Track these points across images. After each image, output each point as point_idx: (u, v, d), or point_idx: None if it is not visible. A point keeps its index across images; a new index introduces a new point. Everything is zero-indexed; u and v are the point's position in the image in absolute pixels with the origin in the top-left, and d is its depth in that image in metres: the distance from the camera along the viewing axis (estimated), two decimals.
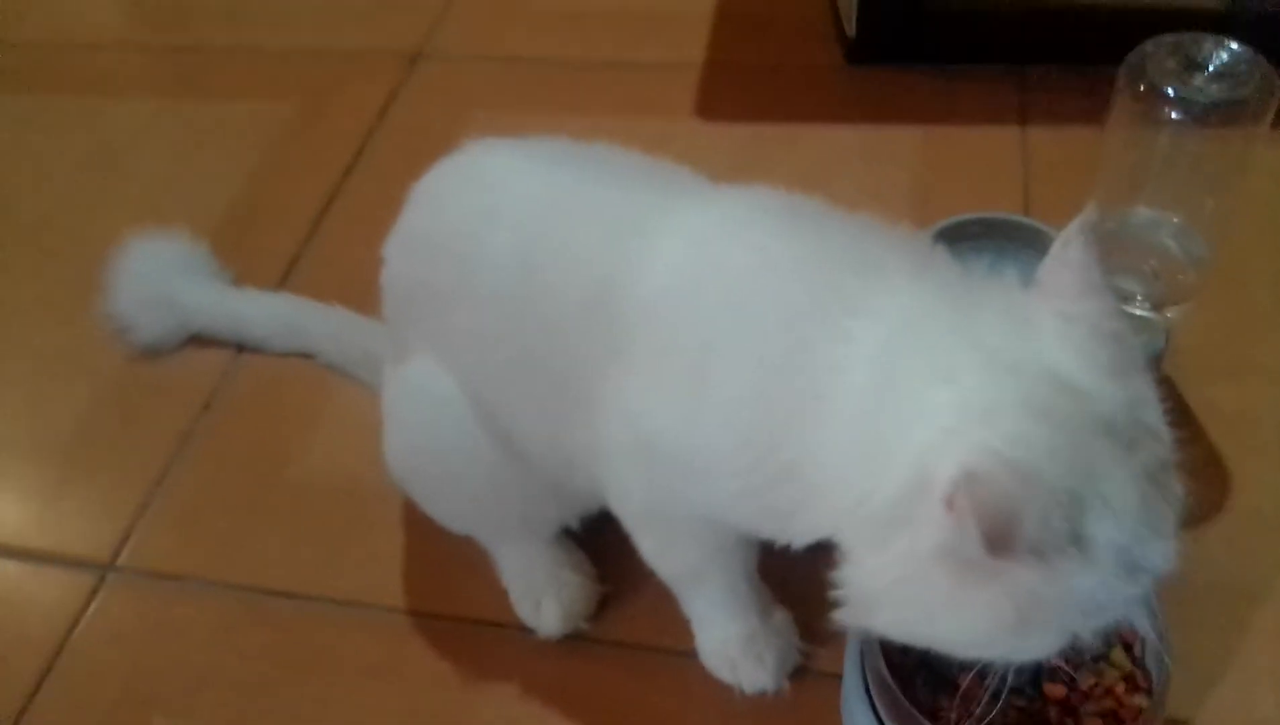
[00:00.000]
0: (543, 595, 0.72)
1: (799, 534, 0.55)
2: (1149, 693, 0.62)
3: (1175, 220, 0.74)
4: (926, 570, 0.45)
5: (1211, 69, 0.66)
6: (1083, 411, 0.43)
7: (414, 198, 0.68)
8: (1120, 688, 0.63)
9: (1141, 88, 0.67)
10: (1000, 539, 0.40)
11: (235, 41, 1.31)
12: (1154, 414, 0.46)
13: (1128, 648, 0.64)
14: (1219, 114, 0.65)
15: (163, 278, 0.93)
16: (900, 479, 0.45)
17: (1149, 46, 0.67)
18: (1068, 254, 0.48)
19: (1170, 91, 0.66)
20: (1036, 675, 0.62)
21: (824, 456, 0.50)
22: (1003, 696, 0.58)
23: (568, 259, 0.59)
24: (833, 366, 0.50)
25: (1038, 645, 0.46)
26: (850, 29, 1.13)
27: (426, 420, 0.69)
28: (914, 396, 0.46)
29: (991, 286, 0.50)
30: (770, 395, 0.52)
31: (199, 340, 0.95)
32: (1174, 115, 0.66)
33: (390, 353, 0.72)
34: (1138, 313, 0.76)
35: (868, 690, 0.64)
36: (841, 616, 0.50)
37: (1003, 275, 0.51)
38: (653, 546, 0.65)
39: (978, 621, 0.45)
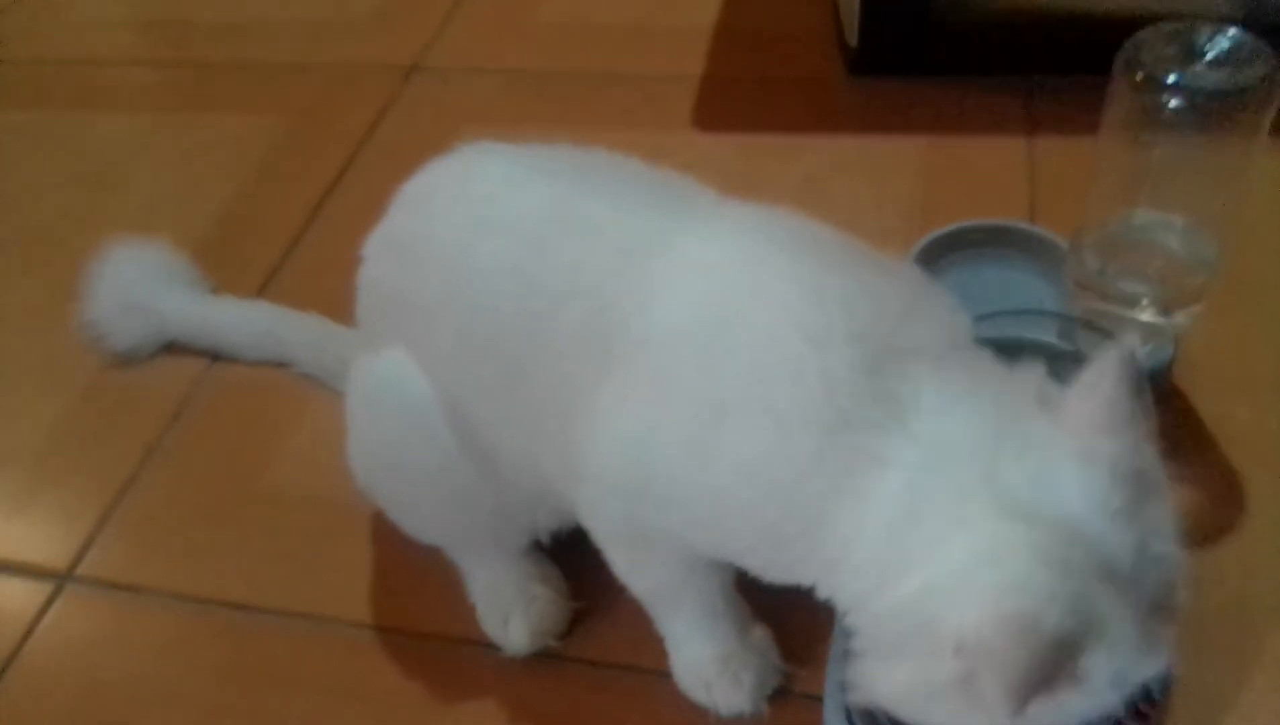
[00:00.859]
0: (511, 611, 0.68)
1: (784, 579, 0.53)
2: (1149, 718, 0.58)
3: (1180, 221, 0.70)
4: (934, 694, 0.46)
5: (1211, 56, 0.62)
6: (1090, 558, 0.43)
7: (402, 199, 0.65)
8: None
9: (1139, 77, 0.63)
10: (1019, 698, 0.41)
11: (233, 57, 1.31)
12: (1163, 542, 0.45)
13: None
14: (1221, 103, 0.62)
15: (139, 285, 0.92)
16: (909, 605, 0.46)
17: (1145, 34, 0.64)
18: (1100, 385, 0.46)
19: (1169, 79, 0.62)
20: None
21: (833, 545, 0.49)
22: None
23: (566, 279, 0.56)
24: (859, 490, 0.48)
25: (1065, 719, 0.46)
26: (853, 39, 1.11)
27: (394, 418, 0.65)
28: (932, 530, 0.46)
29: (1015, 414, 0.47)
30: (785, 465, 0.50)
31: (174, 349, 0.93)
32: (1173, 104, 0.62)
33: (358, 352, 0.69)
34: (1144, 318, 0.72)
35: (849, 715, 0.60)
36: (851, 696, 0.51)
37: (1026, 384, 0.49)
38: (625, 563, 0.61)
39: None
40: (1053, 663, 0.41)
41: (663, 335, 0.53)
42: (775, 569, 0.54)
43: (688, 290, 0.53)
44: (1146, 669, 0.45)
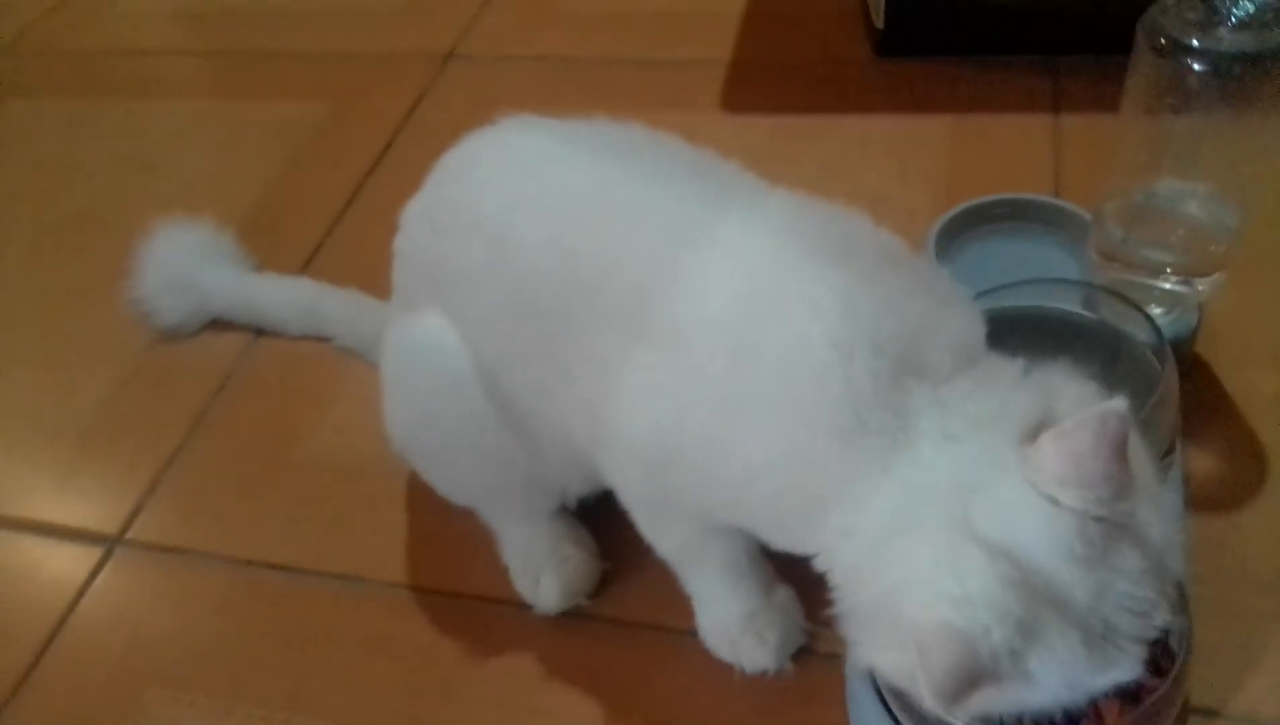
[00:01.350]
0: (542, 571, 0.70)
1: (790, 550, 0.56)
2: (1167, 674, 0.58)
3: (1203, 188, 0.71)
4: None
5: (1235, 20, 0.63)
6: (1044, 588, 0.46)
7: (442, 169, 0.67)
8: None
9: (1161, 42, 0.64)
10: (944, 697, 0.45)
11: (276, 46, 1.34)
12: (1128, 582, 0.47)
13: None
14: (1245, 67, 0.62)
15: (185, 263, 0.95)
16: (884, 599, 0.48)
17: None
18: (1075, 438, 0.46)
19: (1192, 44, 0.63)
20: None
21: (833, 536, 0.52)
22: None
23: (606, 260, 0.58)
24: (863, 495, 0.50)
25: (1027, 710, 0.49)
26: (879, 21, 1.11)
27: (431, 380, 0.67)
28: (914, 541, 0.48)
29: (997, 455, 0.49)
30: (805, 464, 0.52)
31: (219, 325, 0.96)
32: (1196, 68, 0.63)
33: (394, 317, 0.71)
34: (1167, 286, 0.73)
35: (872, 675, 0.61)
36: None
37: (1019, 413, 0.50)
38: (650, 525, 0.63)
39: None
40: (980, 672, 0.44)
41: (698, 328, 0.54)
42: (783, 542, 0.57)
43: (724, 286, 0.54)
44: (1106, 679, 0.47)
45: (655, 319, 0.55)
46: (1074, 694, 0.47)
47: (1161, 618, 0.47)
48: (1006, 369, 0.52)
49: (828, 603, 0.66)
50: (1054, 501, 0.46)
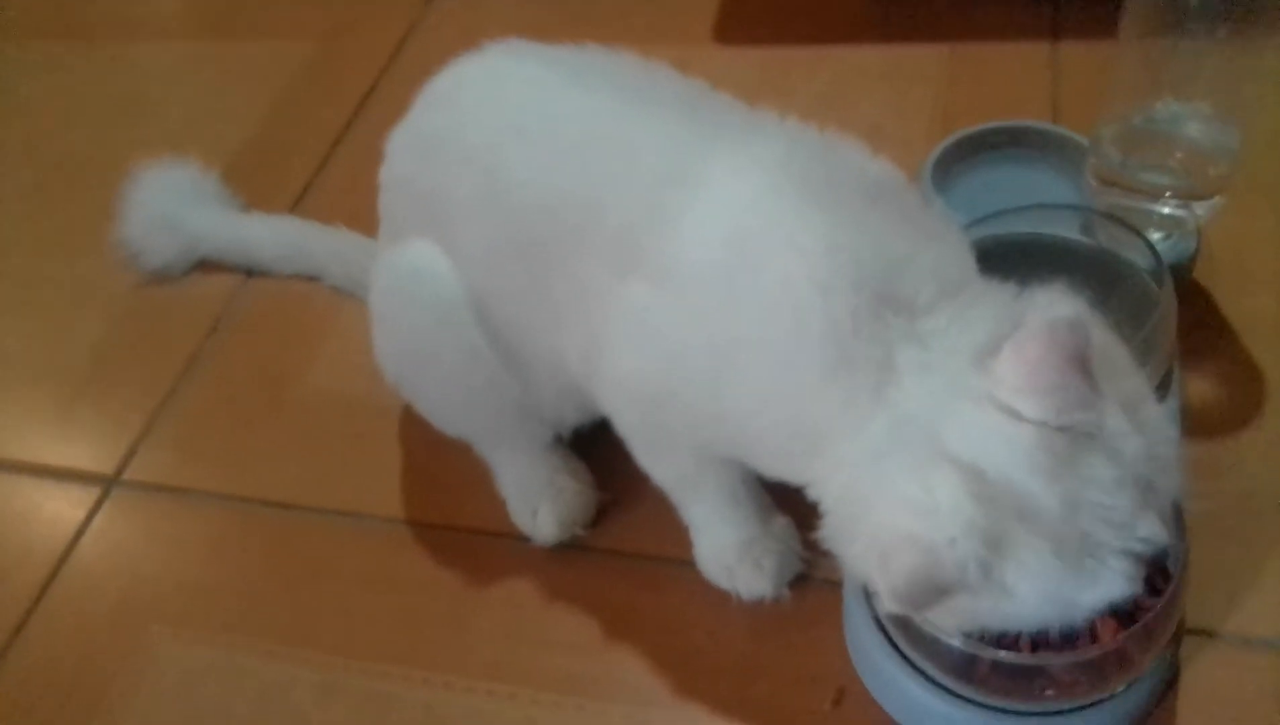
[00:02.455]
0: (539, 502, 0.71)
1: (784, 480, 0.56)
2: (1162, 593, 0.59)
3: (1203, 110, 0.70)
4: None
5: None
6: (1014, 500, 0.46)
7: (430, 95, 0.66)
8: None
9: None
10: (899, 601, 0.47)
11: None
12: (1101, 491, 0.47)
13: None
14: None
15: (170, 204, 0.94)
16: (863, 514, 0.50)
17: None
18: (1027, 348, 0.47)
19: None
20: None
21: (827, 464, 0.52)
22: None
23: (597, 199, 0.57)
24: (846, 416, 0.51)
25: (1017, 625, 0.50)
26: None
27: (422, 306, 0.66)
28: (895, 465, 0.49)
29: (965, 367, 0.49)
30: (795, 400, 0.53)
31: (210, 266, 0.95)
32: None
33: (382, 247, 0.71)
34: (1166, 211, 0.72)
35: (868, 595, 0.62)
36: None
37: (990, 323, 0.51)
38: (646, 452, 0.63)
39: (951, 616, 0.51)
40: (942, 580, 0.45)
41: (687, 272, 0.54)
42: (777, 472, 0.58)
43: (713, 231, 0.54)
44: (1094, 594, 0.47)
45: (645, 260, 0.55)
46: (1061, 609, 0.48)
47: (1146, 529, 0.47)
48: (997, 293, 0.52)
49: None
50: (1014, 414, 0.47)
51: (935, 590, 0.46)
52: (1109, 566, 0.47)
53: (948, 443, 0.48)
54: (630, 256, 0.56)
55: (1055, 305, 0.50)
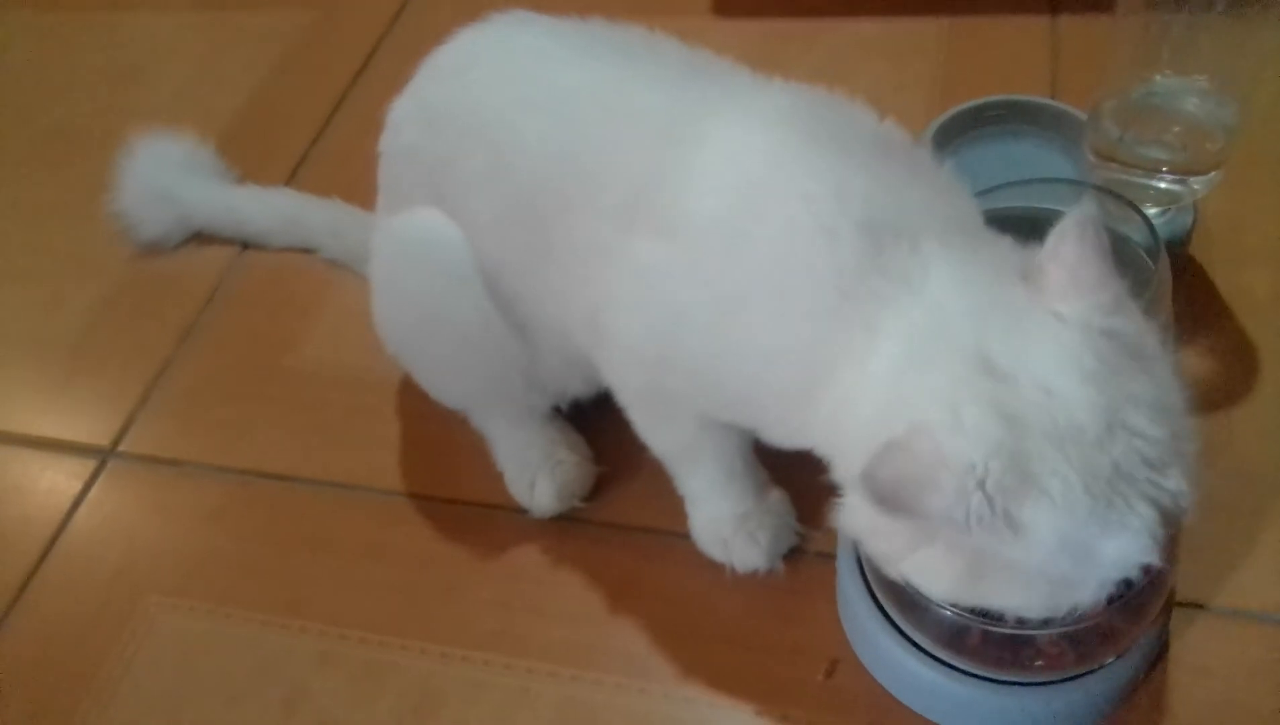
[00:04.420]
0: (537, 474, 0.71)
1: (790, 442, 0.56)
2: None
3: (1201, 84, 0.70)
4: (881, 523, 0.48)
5: None
6: (1047, 413, 0.44)
7: (434, 67, 0.65)
8: None
9: None
10: (895, 502, 0.44)
11: None
12: (1144, 414, 0.45)
13: None
14: None
15: (164, 175, 0.93)
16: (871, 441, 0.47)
17: None
18: (1061, 250, 0.47)
19: None
20: None
21: (835, 407, 0.51)
22: None
23: (607, 159, 0.57)
24: (856, 346, 0.50)
25: (1016, 604, 0.48)
26: None
27: (429, 272, 0.66)
28: (914, 388, 0.47)
29: (1002, 287, 0.49)
30: (803, 348, 0.52)
31: (206, 238, 0.95)
32: None
33: (381, 217, 0.70)
34: (1163, 185, 0.72)
35: (860, 564, 0.62)
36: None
37: (1014, 258, 0.50)
38: (646, 423, 0.63)
39: (937, 573, 0.49)
40: (973, 493, 0.43)
41: (693, 226, 0.54)
42: (783, 432, 0.57)
43: (718, 183, 0.54)
44: (1118, 547, 0.44)
45: (653, 218, 0.55)
46: (1073, 560, 0.44)
47: (1174, 482, 0.45)
48: (1006, 241, 0.52)
49: (820, 506, 0.68)
50: (1058, 316, 0.46)
51: (918, 490, 0.43)
52: (1136, 512, 0.44)
53: (987, 348, 0.46)
54: (638, 216, 0.56)
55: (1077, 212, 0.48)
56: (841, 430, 0.51)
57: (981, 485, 0.43)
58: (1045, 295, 0.47)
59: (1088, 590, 0.46)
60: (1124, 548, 0.44)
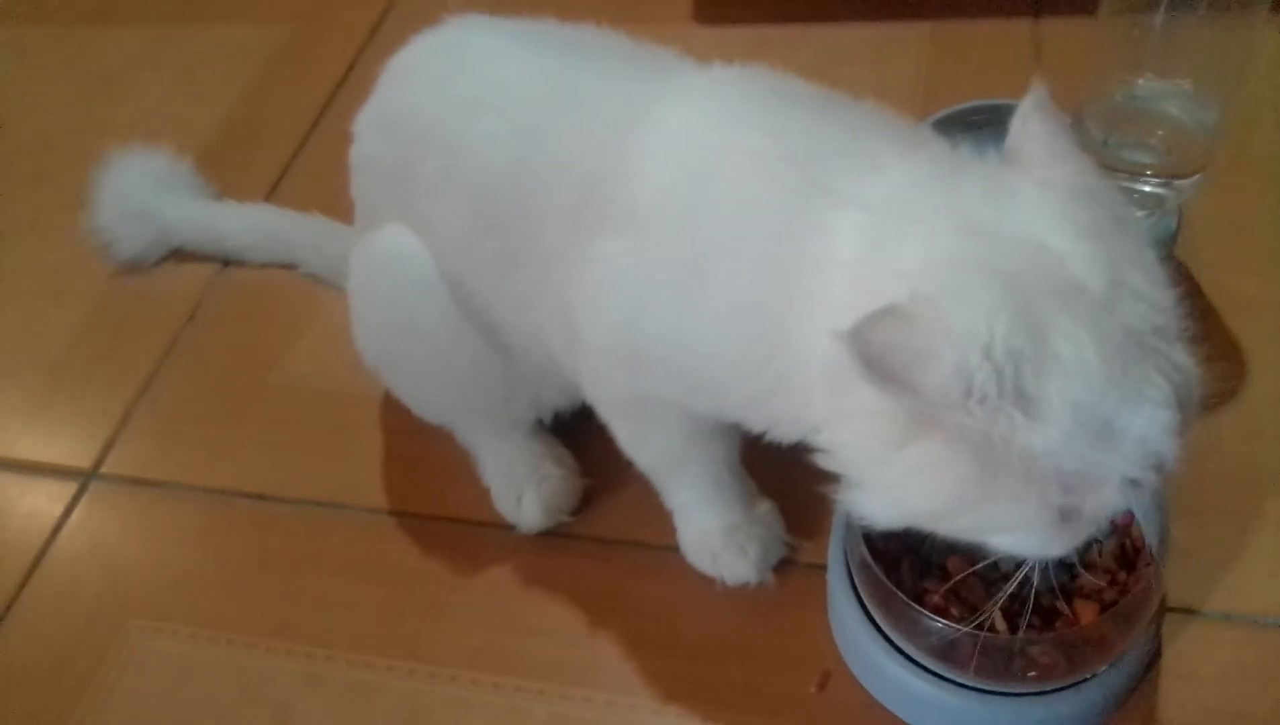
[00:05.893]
0: (523, 489, 0.70)
1: (788, 432, 0.54)
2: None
3: (1185, 86, 0.69)
4: (869, 422, 0.44)
5: None
6: (1046, 272, 0.41)
7: (392, 73, 0.65)
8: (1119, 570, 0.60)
9: None
10: (885, 369, 0.40)
11: None
12: (1143, 276, 0.43)
13: (1125, 531, 0.61)
14: None
15: (142, 192, 0.93)
16: None
17: None
18: (1029, 129, 0.46)
19: None
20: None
21: (807, 360, 0.48)
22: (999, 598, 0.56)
23: (557, 155, 0.57)
24: (818, 261, 0.48)
25: (1027, 521, 0.44)
26: None
27: (400, 288, 0.66)
28: (885, 265, 0.45)
29: (974, 163, 0.48)
30: (764, 296, 0.50)
31: (186, 255, 0.94)
32: None
33: (358, 232, 0.70)
34: (1148, 189, 0.72)
35: (851, 576, 0.62)
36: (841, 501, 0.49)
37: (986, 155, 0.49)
38: (630, 434, 0.63)
39: (934, 477, 0.44)
40: (976, 362, 0.39)
41: (648, 205, 0.54)
42: (764, 414, 0.54)
43: (668, 159, 0.54)
44: (1134, 419, 0.40)
45: (609, 211, 0.55)
46: (1091, 442, 0.40)
47: (1181, 356, 0.42)
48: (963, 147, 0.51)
49: (810, 517, 0.68)
50: (1043, 182, 0.45)
51: (913, 361, 0.39)
52: (1152, 383, 0.40)
53: (960, 217, 0.44)
54: (595, 212, 0.55)
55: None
56: (811, 365, 0.47)
57: (988, 354, 0.39)
58: (1027, 168, 0.45)
59: (1108, 488, 0.42)
60: (1146, 423, 0.40)
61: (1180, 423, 0.41)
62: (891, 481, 0.46)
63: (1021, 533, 0.45)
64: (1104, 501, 0.43)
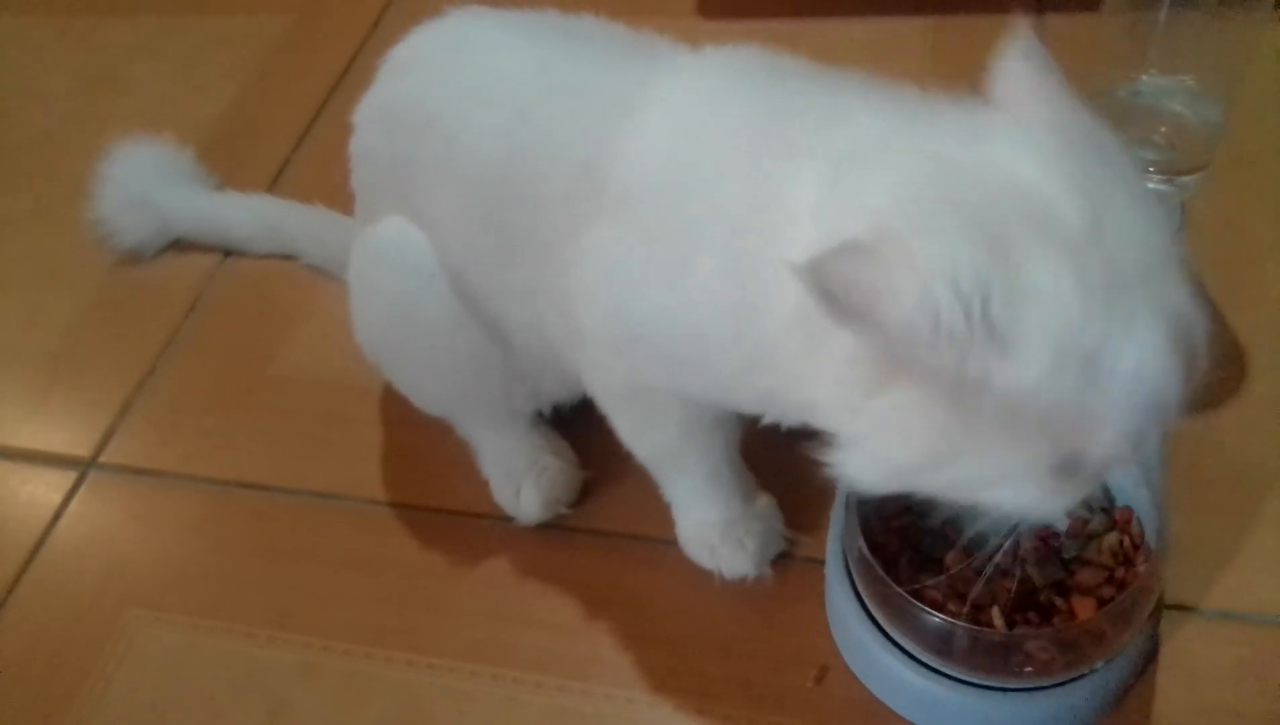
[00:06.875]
0: (523, 481, 0.70)
1: (786, 413, 0.53)
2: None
3: (1188, 83, 0.69)
4: (845, 371, 0.43)
5: None
6: (1021, 206, 0.39)
7: (391, 65, 0.65)
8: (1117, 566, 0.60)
9: None
10: (847, 303, 0.38)
11: None
12: (1132, 213, 0.41)
13: (1124, 526, 0.61)
14: None
15: (144, 182, 0.92)
16: None
17: None
18: (1011, 68, 0.45)
19: None
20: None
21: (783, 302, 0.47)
22: (989, 572, 0.55)
23: (553, 145, 0.57)
24: (788, 215, 0.47)
25: (1009, 468, 0.42)
26: None
27: (400, 279, 0.66)
28: (851, 207, 0.44)
29: (949, 107, 0.47)
30: (738, 262, 0.50)
31: (187, 246, 0.94)
32: None
33: (358, 224, 0.70)
34: (1151, 186, 0.72)
35: (849, 571, 0.62)
36: (830, 466, 0.47)
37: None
38: (629, 426, 0.63)
39: (909, 427, 0.42)
40: (941, 293, 0.37)
41: (637, 190, 0.54)
42: (750, 386, 0.53)
43: (656, 141, 0.54)
44: (1123, 352, 0.38)
45: (603, 196, 0.55)
46: (1077, 378, 0.38)
47: (1176, 294, 0.39)
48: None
49: (808, 511, 0.68)
50: (1021, 119, 0.43)
51: (874, 295, 0.37)
52: (1141, 319, 0.38)
53: (929, 152, 0.43)
54: (589, 201, 0.55)
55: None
56: (786, 322, 0.47)
57: (954, 285, 0.37)
58: (1004, 107, 0.44)
59: (1106, 435, 0.39)
60: (1138, 359, 0.38)
61: (1179, 365, 0.39)
62: (870, 432, 0.44)
63: (1014, 487, 0.43)
64: (1103, 450, 0.40)
